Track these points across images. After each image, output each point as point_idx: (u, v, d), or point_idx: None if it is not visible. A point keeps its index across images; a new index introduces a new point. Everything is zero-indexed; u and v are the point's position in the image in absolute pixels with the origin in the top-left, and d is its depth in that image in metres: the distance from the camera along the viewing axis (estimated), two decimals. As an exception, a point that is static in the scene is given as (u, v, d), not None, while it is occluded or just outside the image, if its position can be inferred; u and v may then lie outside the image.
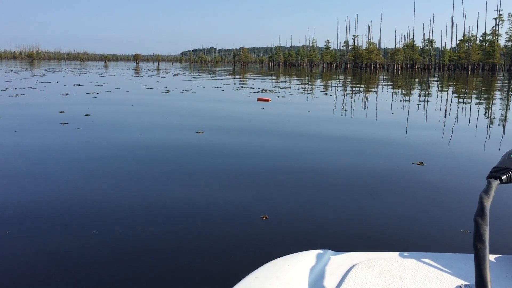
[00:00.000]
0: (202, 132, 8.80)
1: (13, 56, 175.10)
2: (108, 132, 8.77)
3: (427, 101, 17.95)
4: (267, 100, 16.02)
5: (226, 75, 46.32)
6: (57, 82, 26.64)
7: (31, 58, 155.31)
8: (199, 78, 37.43)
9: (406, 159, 6.69)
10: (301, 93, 21.29)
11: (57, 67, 65.37)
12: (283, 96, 18.63)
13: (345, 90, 24.87)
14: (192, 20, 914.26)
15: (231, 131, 9.23)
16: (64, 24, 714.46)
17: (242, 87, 25.18)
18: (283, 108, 14.25)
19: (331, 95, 20.55)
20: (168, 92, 20.00)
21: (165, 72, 52.86)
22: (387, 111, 13.76)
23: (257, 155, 6.97)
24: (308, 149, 7.50)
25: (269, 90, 22.24)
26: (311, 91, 22.69)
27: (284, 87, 25.31)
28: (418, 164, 6.33)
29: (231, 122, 10.51)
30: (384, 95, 21.21)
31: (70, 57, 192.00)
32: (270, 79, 37.87)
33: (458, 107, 15.67)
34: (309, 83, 31.83)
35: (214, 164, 6.30)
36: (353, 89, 26.39)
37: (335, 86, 29.50)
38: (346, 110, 13.75)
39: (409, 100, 18.21)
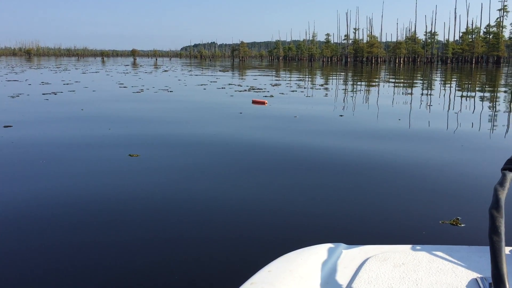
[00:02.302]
0: (137, 155, 6.30)
1: (12, 53, 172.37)
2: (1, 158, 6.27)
3: (439, 104, 15.38)
4: (263, 103, 13.49)
5: (220, 70, 43.78)
6: (26, 80, 24.10)
7: (29, 55, 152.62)
8: (189, 74, 34.88)
9: (431, 212, 4.16)
10: (293, 91, 18.74)
11: (49, 63, 62.82)
12: (271, 96, 16.12)
13: (345, 87, 22.30)
14: (193, 15, 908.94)
15: (177, 155, 6.69)
16: (65, 20, 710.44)
17: (230, 84, 22.64)
18: (266, 112, 11.74)
19: (326, 94, 17.96)
20: (140, 92, 17.47)
21: (156, 68, 50.32)
22: (393, 118, 11.26)
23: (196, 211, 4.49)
24: (283, 192, 5.01)
25: (258, 88, 19.71)
26: (305, 90, 20.11)
27: (276, 84, 22.76)
28: (452, 224, 3.82)
29: (186, 138, 7.98)
30: (387, 95, 18.65)
31: (70, 53, 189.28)
32: (265, 74, 35.33)
33: (481, 114, 13.09)
34: (305, 79, 29.25)
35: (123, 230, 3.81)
36: (353, 86, 23.84)
37: (333, 83, 26.93)
38: (341, 116, 11.19)
39: (412, 99, 15.64)
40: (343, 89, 20.82)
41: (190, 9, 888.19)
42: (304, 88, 20.98)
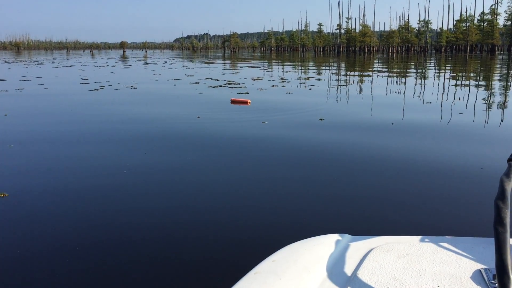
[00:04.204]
0: (4, 196, 4.26)
1: (2, 47, 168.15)
2: None
3: (442, 100, 13.39)
4: (246, 103, 11.37)
5: (204, 62, 41.55)
6: (-18, 77, 21.91)
7: (18, 48, 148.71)
8: (169, 67, 32.66)
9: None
10: (274, 86, 16.68)
11: (32, 57, 60.25)
12: (247, 93, 14.07)
13: (332, 82, 20.25)
14: (185, 7, 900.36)
15: (65, 196, 4.65)
16: (57, 12, 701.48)
17: (206, 78, 20.52)
18: (233, 114, 9.69)
19: (310, 89, 15.88)
20: (99, 89, 15.33)
21: (141, 60, 48.07)
22: (386, 122, 9.28)
23: None
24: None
25: (235, 83, 17.65)
26: (287, 84, 18.03)
27: (257, 78, 20.68)
28: None
29: (97, 167, 5.94)
30: (382, 89, 16.65)
31: (61, 46, 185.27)
32: (250, 66, 33.21)
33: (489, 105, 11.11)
34: (292, 71, 27.15)
35: None
36: (342, 81, 21.81)
37: (320, 75, 24.87)
38: (322, 119, 9.13)
39: (408, 92, 13.63)
40: (330, 84, 18.77)
41: (184, 0, 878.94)
42: (288, 82, 18.88)
